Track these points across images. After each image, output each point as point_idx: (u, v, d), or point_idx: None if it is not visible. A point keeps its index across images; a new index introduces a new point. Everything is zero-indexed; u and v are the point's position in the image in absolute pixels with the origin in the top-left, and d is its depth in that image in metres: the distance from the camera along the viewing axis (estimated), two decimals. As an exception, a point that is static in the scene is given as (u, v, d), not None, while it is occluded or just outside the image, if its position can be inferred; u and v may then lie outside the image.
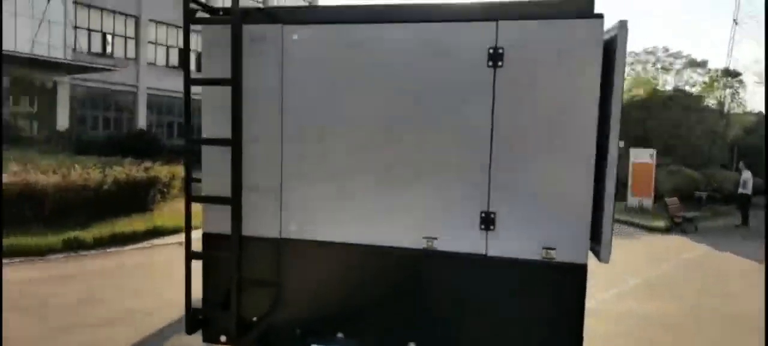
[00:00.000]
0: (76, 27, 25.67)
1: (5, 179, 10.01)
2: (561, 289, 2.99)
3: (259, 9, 3.32)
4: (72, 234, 9.86)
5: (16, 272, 8.06)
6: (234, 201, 3.22)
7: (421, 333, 3.20)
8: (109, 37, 27.81)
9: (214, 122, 3.37)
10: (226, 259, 3.31)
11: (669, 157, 24.47)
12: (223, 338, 3.48)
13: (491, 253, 3.06)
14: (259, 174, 3.35)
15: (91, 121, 27.64)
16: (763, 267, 10.63)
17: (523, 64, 2.96)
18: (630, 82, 28.80)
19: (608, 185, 2.92)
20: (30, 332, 5.67)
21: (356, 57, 3.19)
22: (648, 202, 19.39)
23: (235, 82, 3.13)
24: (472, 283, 3.12)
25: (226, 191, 3.29)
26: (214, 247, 3.43)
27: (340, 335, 3.33)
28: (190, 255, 3.33)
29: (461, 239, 3.09)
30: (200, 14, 3.36)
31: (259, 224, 3.36)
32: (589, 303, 3.13)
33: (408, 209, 3.17)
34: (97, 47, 27.57)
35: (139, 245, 10.38)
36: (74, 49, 24.86)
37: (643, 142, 21.92)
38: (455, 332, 3.15)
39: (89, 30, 27.25)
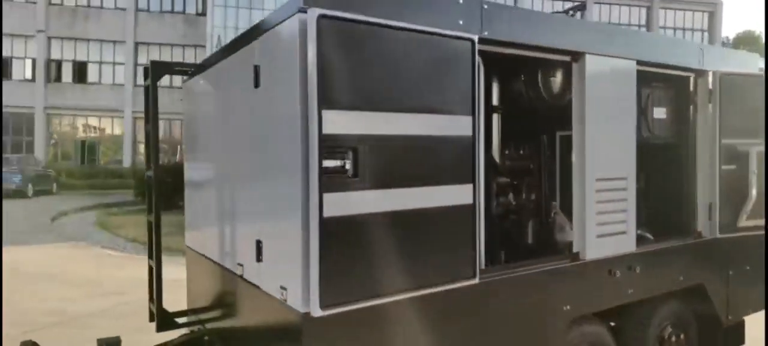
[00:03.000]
0: None
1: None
2: (287, 338, 2.48)
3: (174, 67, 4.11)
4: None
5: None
6: (155, 216, 3.95)
7: None
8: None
9: (192, 152, 4.26)
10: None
11: None
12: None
13: (263, 287, 2.80)
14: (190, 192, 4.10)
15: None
16: None
17: (269, 81, 2.68)
18: None
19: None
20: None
21: (209, 98, 3.64)
22: None
23: (149, 125, 3.92)
24: (253, 317, 2.93)
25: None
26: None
27: None
28: (159, 261, 4.22)
29: (250, 267, 2.94)
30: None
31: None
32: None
33: (229, 234, 3.24)
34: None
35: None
36: None
37: None
38: None
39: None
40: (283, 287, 2.52)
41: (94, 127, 32.00)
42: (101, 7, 30.89)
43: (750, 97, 4.20)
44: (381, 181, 2.44)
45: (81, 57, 30.74)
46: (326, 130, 2.26)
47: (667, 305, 4.04)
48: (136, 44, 30.74)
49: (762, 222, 4.26)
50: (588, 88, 3.34)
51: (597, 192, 3.40)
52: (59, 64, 30.61)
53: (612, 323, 4.03)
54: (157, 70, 3.82)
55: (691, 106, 4.21)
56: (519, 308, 3.09)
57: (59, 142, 31.49)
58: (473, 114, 2.74)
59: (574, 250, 3.40)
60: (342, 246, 2.33)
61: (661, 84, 4.09)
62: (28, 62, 30.17)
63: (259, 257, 2.79)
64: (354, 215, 2.35)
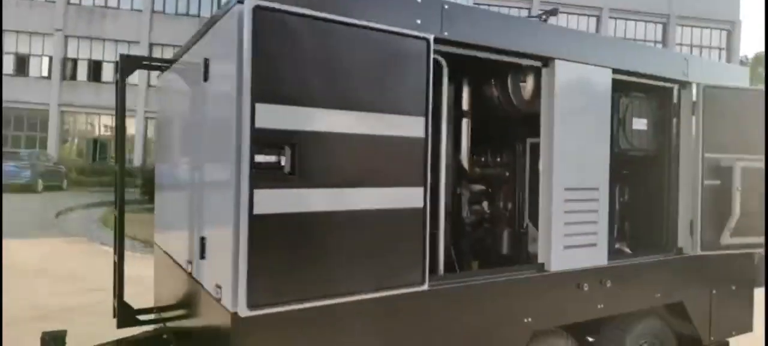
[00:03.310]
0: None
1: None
2: (220, 339, 2.40)
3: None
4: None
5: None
6: (119, 211, 3.90)
7: None
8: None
9: (160, 149, 4.24)
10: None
11: None
12: None
13: (205, 285, 2.73)
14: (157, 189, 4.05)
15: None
16: None
17: (215, 74, 2.62)
18: None
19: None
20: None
21: (173, 94, 3.60)
22: None
23: (119, 121, 3.89)
24: (198, 316, 2.85)
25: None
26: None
27: None
28: (121, 256, 4.18)
29: (197, 265, 2.88)
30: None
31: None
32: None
33: (182, 231, 3.18)
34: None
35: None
36: None
37: None
38: None
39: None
40: (218, 286, 2.45)
41: (107, 126, 32.40)
42: (118, 8, 31.38)
43: (735, 110, 4.05)
44: (321, 179, 2.36)
45: (96, 56, 31.22)
46: (260, 124, 2.19)
47: (644, 323, 3.89)
48: (151, 45, 31.13)
49: (747, 240, 4.10)
50: (558, 94, 3.24)
51: (565, 202, 3.29)
52: (75, 62, 31.12)
53: (590, 339, 3.90)
54: (126, 64, 3.79)
55: (674, 119, 4.08)
56: (474, 318, 2.98)
57: (72, 139, 31.95)
58: (426, 115, 2.65)
59: (539, 260, 3.29)
60: (275, 245, 2.25)
61: (642, 94, 3.97)
62: (45, 60, 30.69)
63: (202, 254, 2.73)
64: (289, 213, 2.28)
